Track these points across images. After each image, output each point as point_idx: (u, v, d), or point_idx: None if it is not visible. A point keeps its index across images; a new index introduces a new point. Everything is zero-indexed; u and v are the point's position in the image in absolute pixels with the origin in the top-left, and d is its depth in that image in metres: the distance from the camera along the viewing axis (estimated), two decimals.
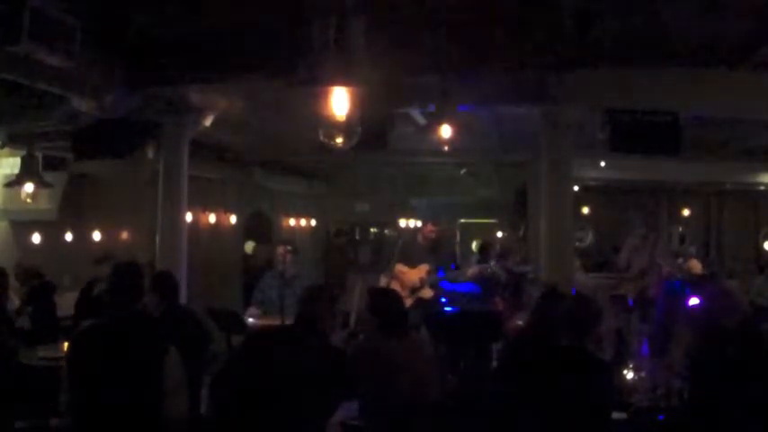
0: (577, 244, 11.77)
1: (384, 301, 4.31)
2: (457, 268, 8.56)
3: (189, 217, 7.78)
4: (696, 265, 9.94)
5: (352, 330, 5.92)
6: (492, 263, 8.68)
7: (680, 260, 10.01)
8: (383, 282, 7.85)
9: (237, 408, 3.71)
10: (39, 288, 7.28)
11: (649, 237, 8.92)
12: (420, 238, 8.32)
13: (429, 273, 7.94)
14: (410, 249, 8.23)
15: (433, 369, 4.34)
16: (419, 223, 15.07)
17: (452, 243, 14.78)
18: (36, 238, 8.88)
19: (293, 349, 3.83)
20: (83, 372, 3.44)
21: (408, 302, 7.75)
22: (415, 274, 7.91)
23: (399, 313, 4.27)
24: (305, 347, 3.85)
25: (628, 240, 9.22)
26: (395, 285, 7.80)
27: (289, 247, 7.20)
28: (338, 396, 3.95)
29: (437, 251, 8.38)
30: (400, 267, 7.93)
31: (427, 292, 7.93)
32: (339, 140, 4.23)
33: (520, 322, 6.42)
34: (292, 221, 14.28)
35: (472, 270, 8.55)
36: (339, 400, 3.99)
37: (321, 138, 4.36)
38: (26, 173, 7.49)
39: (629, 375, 4.71)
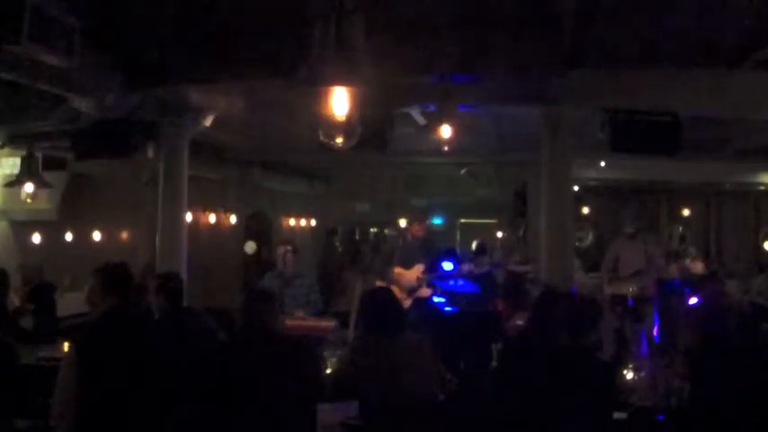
0: (577, 244, 11.77)
1: (380, 302, 4.30)
2: (458, 264, 8.51)
3: (189, 217, 7.78)
4: (698, 266, 9.96)
5: (357, 334, 5.93)
6: (486, 261, 8.70)
7: (686, 261, 10.04)
8: (379, 285, 7.84)
9: (222, 407, 3.71)
10: (39, 288, 7.29)
11: (638, 236, 8.90)
12: (409, 236, 8.32)
13: (424, 272, 7.94)
14: (408, 250, 8.24)
15: (433, 368, 4.34)
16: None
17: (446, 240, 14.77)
18: (36, 238, 8.88)
19: (256, 350, 3.82)
20: (98, 378, 3.40)
21: (407, 303, 7.76)
22: (411, 275, 7.91)
23: (396, 313, 4.27)
24: (266, 347, 3.86)
25: (616, 240, 9.22)
26: (394, 289, 7.78)
27: (289, 247, 7.20)
28: (312, 391, 3.95)
29: (428, 249, 8.34)
30: (397, 270, 7.93)
31: (425, 291, 7.94)
32: (339, 140, 4.22)
33: (520, 322, 6.43)
34: (292, 221, 14.29)
35: (468, 267, 8.55)
36: (314, 395, 3.99)
37: (321, 138, 4.35)
38: (26, 173, 7.48)
39: (629, 375, 4.71)
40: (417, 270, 7.92)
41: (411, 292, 7.85)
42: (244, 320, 4.00)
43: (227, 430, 3.69)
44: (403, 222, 15.46)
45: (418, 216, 8.48)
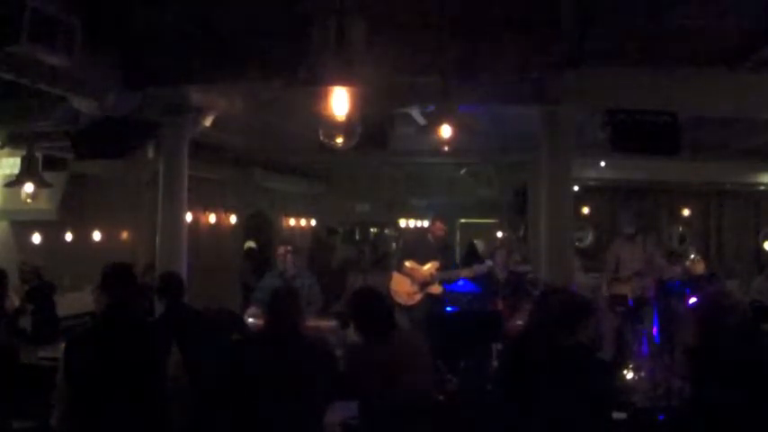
0: (577, 244, 11.76)
1: (367, 303, 4.29)
2: (457, 268, 8.57)
3: (189, 217, 7.77)
4: (699, 266, 9.96)
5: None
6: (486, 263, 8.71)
7: (687, 262, 10.03)
8: (392, 277, 7.92)
9: (233, 406, 3.73)
10: (38, 288, 7.29)
11: (638, 236, 8.91)
12: (430, 236, 8.37)
13: (438, 270, 7.99)
14: (415, 247, 8.27)
15: (429, 366, 4.33)
16: (419, 223, 15.09)
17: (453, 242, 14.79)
18: (36, 238, 8.88)
19: (283, 349, 3.86)
20: (85, 377, 3.43)
21: (418, 297, 7.82)
22: (425, 270, 7.97)
23: (384, 312, 4.26)
24: (293, 346, 3.89)
25: (615, 240, 9.23)
26: (405, 281, 7.86)
27: (289, 247, 7.21)
28: (330, 392, 3.98)
29: (445, 250, 8.41)
30: (411, 264, 7.98)
31: (437, 288, 7.99)
32: (339, 140, 4.22)
33: (520, 322, 6.43)
34: (292, 221, 14.28)
35: (471, 270, 8.57)
36: (331, 396, 4.01)
37: (321, 138, 4.35)
38: (26, 173, 7.47)
39: (629, 375, 4.71)
40: (432, 266, 7.98)
41: (423, 286, 7.91)
42: (271, 318, 4.07)
43: (241, 427, 3.72)
44: (403, 222, 15.46)
45: (439, 216, 8.58)
